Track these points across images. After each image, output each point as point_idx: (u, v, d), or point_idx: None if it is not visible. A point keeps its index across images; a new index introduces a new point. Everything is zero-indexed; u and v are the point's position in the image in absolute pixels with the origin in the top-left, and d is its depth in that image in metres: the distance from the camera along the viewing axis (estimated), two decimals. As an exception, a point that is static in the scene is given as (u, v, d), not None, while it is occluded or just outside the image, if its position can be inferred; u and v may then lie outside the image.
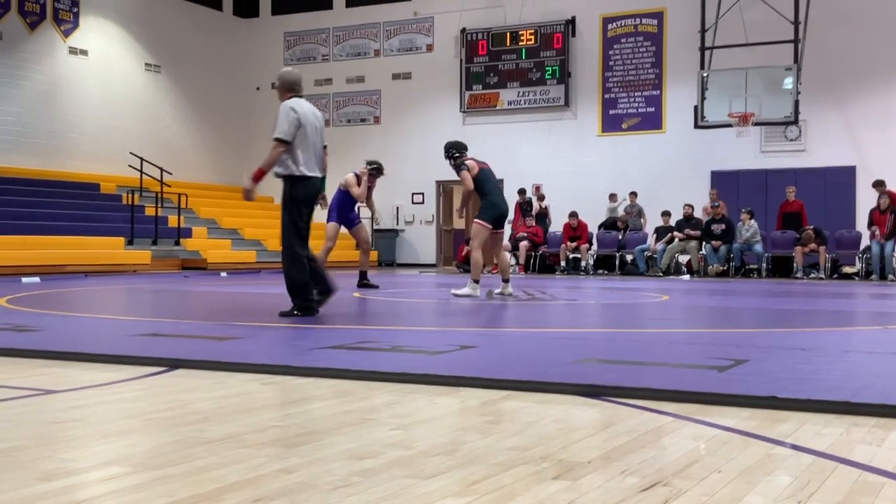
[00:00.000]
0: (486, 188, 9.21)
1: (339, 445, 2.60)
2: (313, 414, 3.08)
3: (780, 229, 17.09)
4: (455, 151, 9.38)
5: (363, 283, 10.91)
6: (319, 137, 6.66)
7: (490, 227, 9.14)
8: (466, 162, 9.21)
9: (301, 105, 6.53)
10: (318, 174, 6.59)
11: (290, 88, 6.63)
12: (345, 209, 10.86)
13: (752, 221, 16.82)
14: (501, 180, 20.90)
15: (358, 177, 10.80)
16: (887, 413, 3.06)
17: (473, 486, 2.18)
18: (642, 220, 18.51)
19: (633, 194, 18.65)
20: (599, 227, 18.64)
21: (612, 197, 19.10)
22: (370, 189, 10.97)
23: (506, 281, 9.39)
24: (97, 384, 3.73)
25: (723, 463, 2.42)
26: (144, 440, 2.74)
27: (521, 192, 19.04)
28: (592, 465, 2.39)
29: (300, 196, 6.51)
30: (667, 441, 2.73)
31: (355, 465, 2.36)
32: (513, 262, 18.96)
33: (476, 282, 9.03)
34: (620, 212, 18.75)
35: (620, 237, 18.15)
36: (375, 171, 10.92)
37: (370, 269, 10.73)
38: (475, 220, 9.21)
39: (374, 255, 21.14)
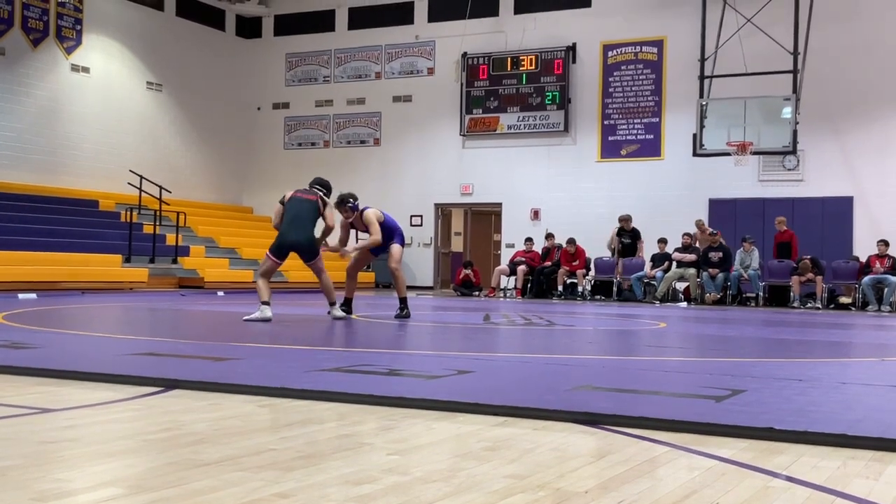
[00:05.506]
0: (284, 218, 8.78)
1: (335, 470, 2.59)
2: (310, 437, 3.07)
3: (776, 258, 17.11)
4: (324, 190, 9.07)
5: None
6: None
7: (274, 259, 8.73)
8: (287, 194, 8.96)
9: None
10: None
11: None
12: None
13: (755, 249, 16.88)
14: (499, 203, 21.21)
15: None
16: (884, 446, 3.05)
17: (470, 514, 2.17)
18: (639, 244, 18.31)
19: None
20: (619, 254, 18.33)
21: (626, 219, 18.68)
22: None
23: (332, 304, 9.11)
24: (93, 403, 3.71)
25: (720, 495, 2.41)
26: (140, 461, 2.73)
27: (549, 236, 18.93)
28: (589, 494, 2.38)
29: None
30: (663, 471, 2.72)
31: (351, 490, 2.36)
32: (510, 285, 18.99)
33: (265, 303, 8.55)
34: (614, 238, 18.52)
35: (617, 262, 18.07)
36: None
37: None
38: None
39: (370, 276, 21.14)
